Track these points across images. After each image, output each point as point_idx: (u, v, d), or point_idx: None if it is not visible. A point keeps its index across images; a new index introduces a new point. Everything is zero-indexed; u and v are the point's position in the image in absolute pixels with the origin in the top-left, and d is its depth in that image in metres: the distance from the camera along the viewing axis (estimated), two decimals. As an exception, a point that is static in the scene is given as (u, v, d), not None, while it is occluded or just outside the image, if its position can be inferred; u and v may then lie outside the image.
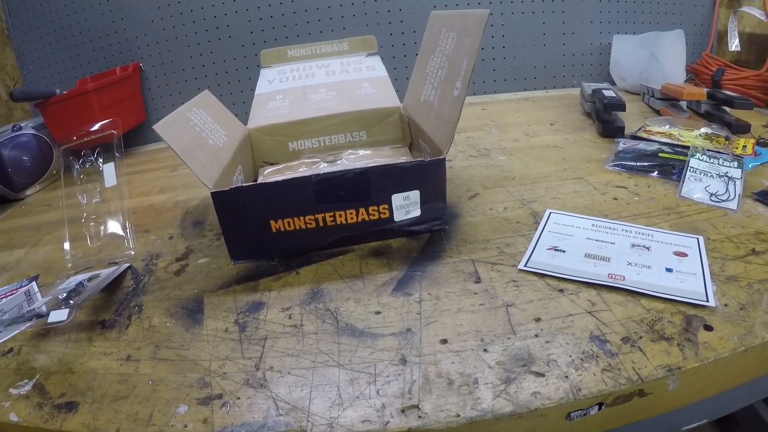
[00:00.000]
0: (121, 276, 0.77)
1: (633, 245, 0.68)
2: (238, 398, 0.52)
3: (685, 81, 1.36)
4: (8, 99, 1.58)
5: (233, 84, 1.53)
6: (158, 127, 0.67)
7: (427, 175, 0.70)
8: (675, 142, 0.98)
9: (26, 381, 0.58)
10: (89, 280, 0.74)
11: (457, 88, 0.70)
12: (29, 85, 1.56)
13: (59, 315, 0.61)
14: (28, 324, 0.67)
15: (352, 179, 0.69)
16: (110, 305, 0.71)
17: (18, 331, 0.66)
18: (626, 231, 0.72)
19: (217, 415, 0.50)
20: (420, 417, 0.47)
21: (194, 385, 0.54)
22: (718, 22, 1.57)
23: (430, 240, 0.75)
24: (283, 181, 0.68)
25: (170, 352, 0.60)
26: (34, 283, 0.78)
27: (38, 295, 0.75)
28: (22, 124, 1.26)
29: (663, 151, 0.94)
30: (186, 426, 0.49)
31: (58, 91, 1.26)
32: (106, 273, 0.75)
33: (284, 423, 0.48)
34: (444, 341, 0.56)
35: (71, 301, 0.67)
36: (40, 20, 1.49)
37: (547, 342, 0.54)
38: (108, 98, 1.31)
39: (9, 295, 0.75)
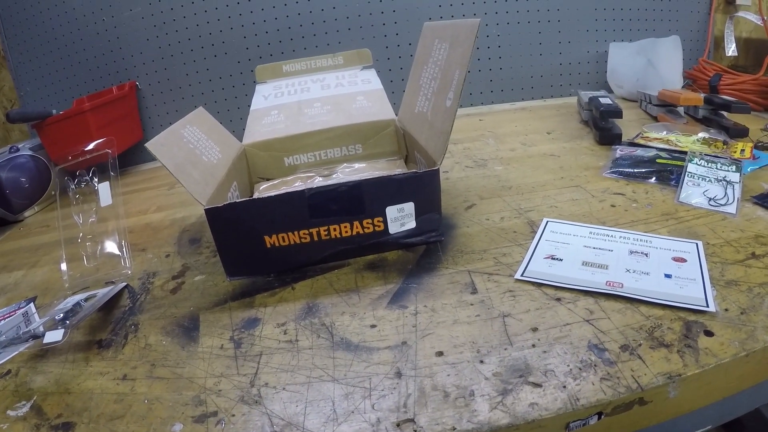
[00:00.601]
0: (118, 295, 0.77)
1: (631, 252, 0.68)
2: (233, 415, 0.51)
3: (683, 87, 1.36)
4: (5, 120, 1.59)
5: (230, 101, 1.53)
6: (150, 145, 0.67)
7: (421, 187, 0.70)
8: (673, 148, 0.98)
9: (24, 402, 0.57)
10: (86, 300, 0.73)
11: (449, 98, 0.70)
12: (26, 106, 1.56)
13: (55, 335, 0.61)
14: (25, 345, 0.67)
15: (346, 192, 0.68)
16: (107, 325, 0.70)
17: (15, 353, 0.66)
18: (624, 238, 0.71)
19: (212, 433, 0.49)
20: (415, 431, 0.47)
21: (189, 402, 0.54)
22: (715, 28, 1.57)
23: (426, 252, 0.74)
24: (276, 196, 0.68)
25: (166, 370, 0.59)
26: (32, 304, 0.78)
27: (36, 316, 0.75)
28: (19, 146, 1.26)
29: (661, 157, 0.94)
30: (181, 445, 0.49)
31: (54, 111, 1.27)
32: (103, 293, 0.75)
33: (279, 439, 0.48)
34: (440, 353, 0.55)
35: (67, 321, 0.66)
36: (36, 41, 1.49)
37: (545, 352, 0.53)
38: (105, 117, 1.31)
39: (7, 317, 0.75)
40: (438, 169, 0.70)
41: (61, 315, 0.69)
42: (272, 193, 0.68)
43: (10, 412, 0.56)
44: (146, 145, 0.67)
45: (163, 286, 0.77)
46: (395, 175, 0.69)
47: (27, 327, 0.72)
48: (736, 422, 1.23)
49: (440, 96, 0.74)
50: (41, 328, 0.69)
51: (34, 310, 0.76)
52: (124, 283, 0.79)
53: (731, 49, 1.56)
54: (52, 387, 0.60)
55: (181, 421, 0.51)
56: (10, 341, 0.69)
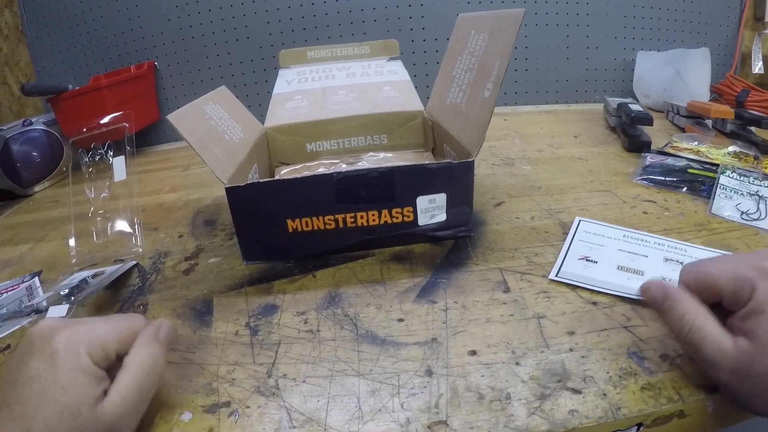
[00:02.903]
0: (127, 274, 0.74)
1: (666, 259, 0.65)
2: (248, 407, 0.48)
3: (709, 101, 1.33)
4: (20, 95, 1.57)
5: (249, 86, 1.50)
6: (172, 117, 0.64)
7: (454, 178, 0.67)
8: (703, 159, 0.96)
9: (23, 381, 0.54)
10: (93, 276, 0.71)
11: (488, 89, 0.67)
12: (42, 80, 1.53)
13: (59, 311, 0.59)
14: (27, 320, 0.65)
15: (376, 179, 0.65)
16: (114, 303, 0.68)
17: (17, 327, 0.64)
18: (659, 244, 0.68)
19: (224, 425, 0.47)
20: (448, 434, 0.44)
21: (200, 390, 0.51)
22: (742, 44, 1.55)
23: (454, 247, 0.71)
24: (302, 178, 0.65)
25: (176, 354, 0.56)
26: (36, 278, 0.76)
27: (40, 290, 0.72)
28: (33, 119, 1.24)
29: (692, 167, 0.91)
30: (190, 435, 0.46)
31: (70, 86, 1.24)
32: (111, 270, 0.72)
33: (298, 435, 0.45)
34: (473, 352, 0.52)
35: (72, 298, 0.64)
36: (55, 17, 1.47)
37: (583, 357, 0.51)
38: (121, 95, 1.28)
39: (10, 290, 0.73)
40: (473, 161, 0.67)
41: (66, 291, 0.67)
42: (296, 176, 0.65)
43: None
44: (168, 117, 0.64)
45: (175, 266, 0.74)
46: (429, 164, 0.66)
47: (30, 301, 0.70)
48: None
49: (477, 87, 0.71)
50: (45, 303, 0.67)
51: (38, 284, 0.74)
52: (134, 262, 0.76)
53: (758, 67, 1.53)
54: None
55: (190, 410, 0.49)
56: (12, 314, 0.67)
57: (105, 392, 0.43)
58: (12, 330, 0.64)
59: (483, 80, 0.69)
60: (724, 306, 0.46)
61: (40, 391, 0.40)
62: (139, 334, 0.48)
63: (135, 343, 0.47)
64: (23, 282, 0.75)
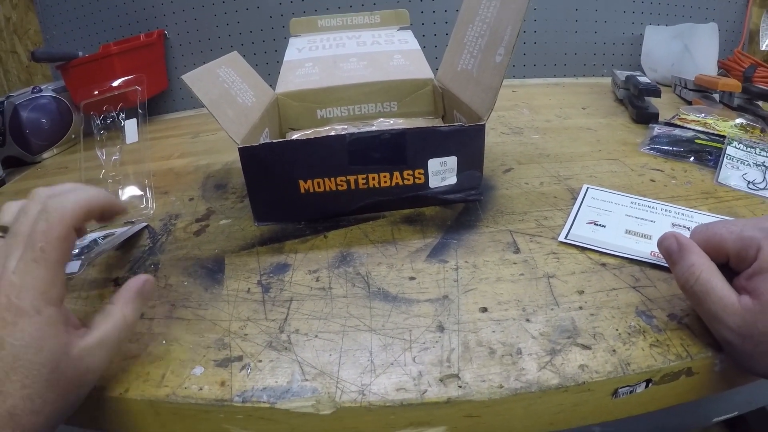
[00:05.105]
0: (138, 235, 0.74)
1: (674, 225, 0.66)
2: (260, 361, 0.49)
3: (717, 76, 1.34)
4: (30, 63, 1.57)
5: (259, 55, 1.49)
6: (187, 78, 0.64)
7: (465, 141, 0.67)
8: (710, 131, 0.96)
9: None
10: (103, 238, 0.71)
11: (500, 54, 0.67)
12: (52, 47, 1.53)
13: (71, 267, 0.59)
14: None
15: (389, 140, 0.66)
16: (125, 263, 0.68)
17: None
18: (666, 210, 0.69)
19: (236, 378, 0.47)
20: (460, 387, 0.44)
21: (212, 345, 0.51)
22: (750, 21, 1.54)
23: (464, 210, 0.72)
24: (315, 138, 0.65)
25: (187, 311, 0.57)
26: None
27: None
28: (42, 87, 1.24)
29: (699, 138, 0.92)
30: (201, 388, 0.46)
31: (80, 53, 1.24)
32: (121, 231, 0.73)
33: (311, 388, 0.46)
34: (484, 309, 0.53)
35: (83, 257, 0.64)
36: (65, -16, 1.47)
37: (592, 315, 0.51)
38: (131, 63, 1.28)
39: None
40: (484, 125, 0.67)
41: (77, 250, 0.67)
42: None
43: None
44: (182, 77, 0.64)
45: (186, 228, 0.75)
46: (441, 126, 0.66)
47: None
48: (741, 420, 1.23)
49: (489, 52, 0.71)
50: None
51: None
52: (145, 223, 0.77)
53: (766, 44, 1.53)
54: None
55: (201, 364, 0.49)
56: None
57: (74, 327, 0.44)
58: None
59: (495, 45, 0.69)
60: (732, 266, 0.47)
61: (10, 357, 0.38)
62: (126, 287, 0.50)
63: (121, 295, 0.49)
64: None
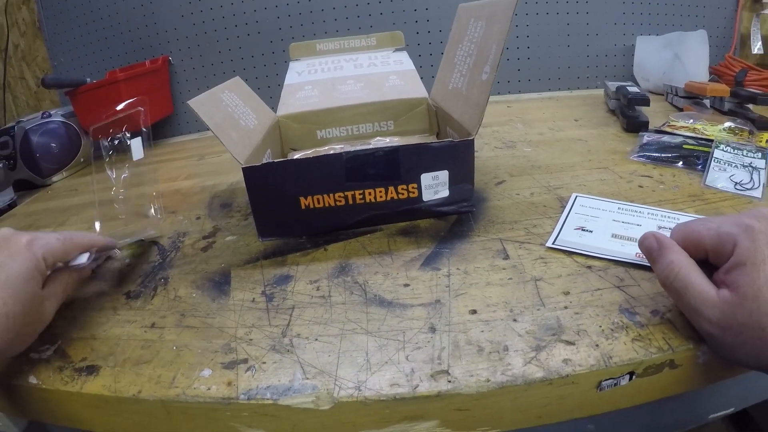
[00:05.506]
0: (148, 251, 0.78)
1: (659, 227, 0.68)
2: (264, 362, 0.52)
3: (708, 81, 1.36)
4: (38, 89, 1.61)
5: (261, 79, 1.54)
6: (193, 103, 0.68)
7: (455, 156, 0.71)
8: (699, 136, 0.98)
9: (48, 346, 0.59)
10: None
11: (485, 72, 0.71)
12: (60, 74, 1.58)
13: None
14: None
15: (383, 157, 0.69)
16: (136, 277, 0.72)
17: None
18: (652, 214, 0.71)
19: (242, 379, 0.50)
20: (450, 381, 0.47)
21: (219, 350, 0.55)
22: (741, 26, 1.57)
23: (457, 221, 0.75)
24: (314, 157, 0.69)
25: (196, 320, 0.60)
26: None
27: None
28: (51, 112, 1.28)
29: (687, 143, 0.94)
30: (209, 388, 0.50)
31: (88, 79, 1.29)
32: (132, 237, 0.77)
33: (311, 386, 0.49)
34: (473, 311, 0.56)
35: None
36: (72, 13, 1.51)
37: (577, 313, 0.54)
38: (137, 89, 1.32)
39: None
40: (473, 140, 0.71)
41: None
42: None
43: (33, 355, 0.57)
44: (188, 102, 0.68)
45: (194, 244, 0.79)
46: (432, 143, 0.70)
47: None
48: (744, 414, 1.24)
49: (476, 70, 0.74)
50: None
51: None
52: (156, 234, 0.82)
53: (757, 47, 1.55)
54: (78, 332, 0.61)
55: (210, 367, 0.52)
56: None
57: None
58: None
59: (481, 64, 0.72)
60: (711, 262, 0.49)
61: (2, 277, 0.49)
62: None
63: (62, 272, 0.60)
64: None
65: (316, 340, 0.54)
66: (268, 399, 0.48)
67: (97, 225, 0.84)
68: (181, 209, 0.93)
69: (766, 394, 0.69)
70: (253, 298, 0.63)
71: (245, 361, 0.53)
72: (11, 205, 1.13)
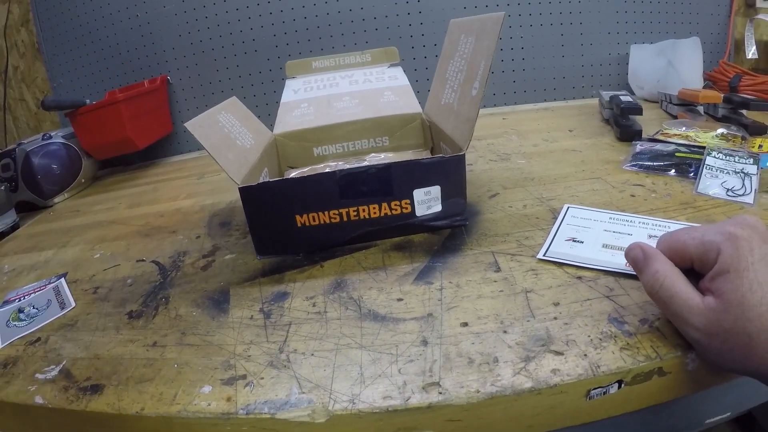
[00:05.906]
0: (149, 272, 0.80)
1: (650, 236, 0.69)
2: (262, 378, 0.53)
3: (703, 88, 1.37)
4: (38, 111, 1.63)
5: (258, 97, 1.56)
6: (189, 125, 0.70)
7: (447, 171, 0.72)
8: (692, 143, 0.99)
9: (53, 367, 0.60)
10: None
11: (475, 87, 0.72)
12: (60, 95, 1.60)
13: None
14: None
15: (375, 174, 0.71)
16: (137, 297, 0.73)
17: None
18: (643, 223, 0.72)
19: (241, 394, 0.52)
20: (441, 393, 0.49)
21: (219, 367, 0.56)
22: (735, 31, 1.58)
23: (451, 235, 0.76)
24: (308, 176, 0.71)
25: (196, 338, 0.62)
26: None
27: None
28: (52, 133, 1.30)
29: (680, 151, 0.95)
30: (210, 404, 0.51)
31: (88, 101, 1.30)
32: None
33: (307, 400, 0.50)
34: (464, 324, 0.57)
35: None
36: (71, 34, 1.54)
37: (566, 324, 0.55)
38: (136, 109, 1.35)
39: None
40: (464, 155, 0.72)
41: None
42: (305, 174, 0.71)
43: (39, 375, 0.59)
44: (185, 124, 0.69)
45: (194, 263, 0.80)
46: (423, 159, 0.71)
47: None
48: (748, 416, 1.24)
49: (466, 86, 0.76)
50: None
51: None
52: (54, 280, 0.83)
53: (752, 52, 1.56)
54: (82, 353, 0.62)
55: (210, 383, 0.54)
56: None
57: None
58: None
59: (471, 80, 0.74)
60: (696, 270, 0.50)
61: None
62: None
63: None
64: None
65: (312, 355, 0.56)
66: (266, 413, 0.49)
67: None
68: (181, 228, 0.94)
69: (765, 397, 0.70)
70: (252, 316, 0.64)
71: (244, 377, 0.54)
72: (13, 227, 1.15)
